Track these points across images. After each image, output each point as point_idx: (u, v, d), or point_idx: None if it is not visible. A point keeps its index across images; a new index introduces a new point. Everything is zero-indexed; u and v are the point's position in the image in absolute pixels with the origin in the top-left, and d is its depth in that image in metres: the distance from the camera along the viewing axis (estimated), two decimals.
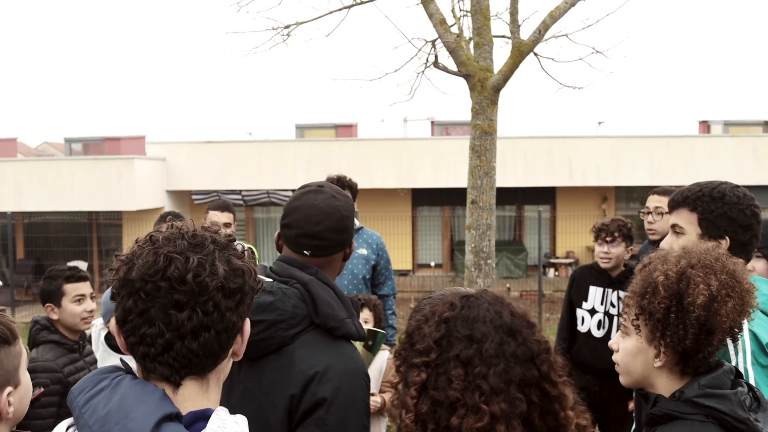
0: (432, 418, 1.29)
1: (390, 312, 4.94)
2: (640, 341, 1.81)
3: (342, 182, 4.84)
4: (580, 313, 4.67)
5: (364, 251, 4.90)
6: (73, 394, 1.25)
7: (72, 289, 3.50)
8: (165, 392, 1.24)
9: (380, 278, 5.00)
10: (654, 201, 4.42)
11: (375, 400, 3.57)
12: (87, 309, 3.51)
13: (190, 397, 1.27)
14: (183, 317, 1.22)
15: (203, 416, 1.24)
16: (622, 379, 1.90)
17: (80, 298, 3.51)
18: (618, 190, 18.92)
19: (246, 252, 1.38)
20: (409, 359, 1.34)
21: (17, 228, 17.98)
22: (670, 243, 2.51)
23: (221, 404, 1.34)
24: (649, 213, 4.45)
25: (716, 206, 2.40)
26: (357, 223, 4.83)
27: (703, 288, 1.71)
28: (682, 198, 2.49)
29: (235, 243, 1.38)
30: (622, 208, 19.34)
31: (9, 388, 1.58)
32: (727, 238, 2.38)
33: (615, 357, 1.89)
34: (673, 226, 2.52)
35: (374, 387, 3.65)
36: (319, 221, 2.05)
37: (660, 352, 1.77)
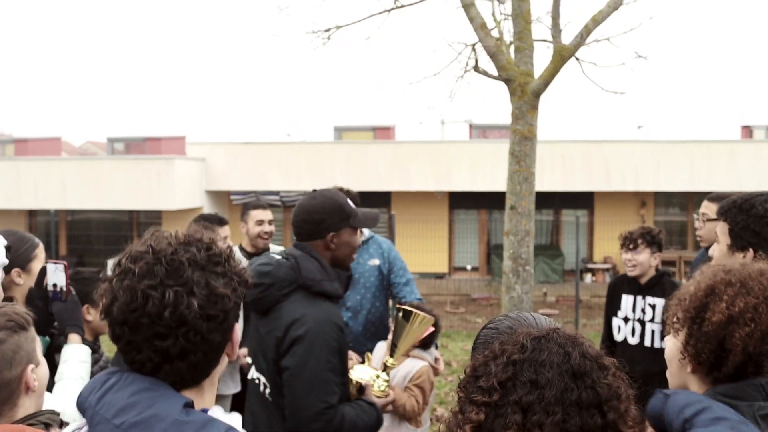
0: None
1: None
2: (678, 344, 1.82)
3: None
4: (615, 322, 4.69)
5: (376, 261, 4.72)
6: (83, 395, 1.33)
7: None
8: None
9: (396, 275, 4.71)
10: (703, 207, 4.36)
11: (388, 397, 3.53)
12: None
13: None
14: (167, 345, 1.29)
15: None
16: (669, 382, 1.91)
17: None
18: (657, 195, 18.68)
19: (229, 261, 1.41)
20: (470, 393, 1.31)
21: (60, 225, 18.31)
22: (713, 250, 2.64)
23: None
24: (698, 219, 4.38)
25: (742, 218, 2.45)
26: (366, 232, 4.78)
27: (724, 307, 1.70)
28: (720, 207, 2.58)
29: (215, 249, 1.40)
30: (661, 213, 19.11)
31: (32, 365, 1.79)
32: (751, 250, 2.41)
33: (665, 353, 1.91)
34: (716, 233, 2.61)
35: (399, 386, 3.75)
36: (297, 214, 2.77)
37: (685, 358, 1.78)
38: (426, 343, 4.02)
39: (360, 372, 3.32)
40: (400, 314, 3.30)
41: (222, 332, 1.36)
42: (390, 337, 3.52)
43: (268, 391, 2.71)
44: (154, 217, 17.94)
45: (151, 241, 1.37)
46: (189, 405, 1.28)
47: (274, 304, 2.66)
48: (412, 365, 3.89)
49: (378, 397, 3.19)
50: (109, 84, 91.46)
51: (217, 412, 1.34)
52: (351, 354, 3.82)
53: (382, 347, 4.20)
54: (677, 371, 1.85)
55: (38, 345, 1.86)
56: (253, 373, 2.85)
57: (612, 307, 4.76)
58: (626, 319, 4.62)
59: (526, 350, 1.30)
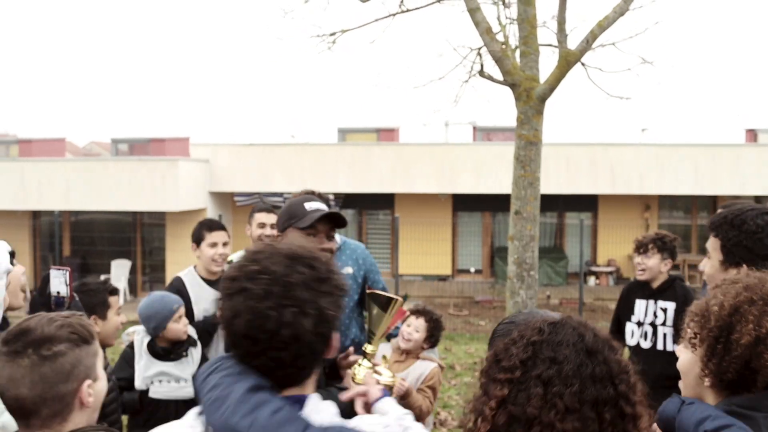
0: (506, 431, 1.37)
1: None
2: (695, 358, 1.82)
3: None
4: (629, 327, 4.72)
5: (349, 269, 4.30)
6: (201, 372, 1.58)
7: (115, 301, 3.59)
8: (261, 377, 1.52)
9: (372, 283, 4.37)
10: None
11: (402, 384, 3.68)
12: (122, 321, 3.63)
13: (290, 393, 1.54)
14: (282, 355, 1.49)
15: (300, 400, 1.53)
16: (682, 393, 1.91)
17: (118, 312, 3.61)
18: (661, 198, 18.66)
19: (331, 276, 1.57)
20: (492, 374, 1.44)
21: (64, 226, 18.33)
22: (704, 265, 2.60)
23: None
24: None
25: (734, 234, 2.42)
26: (338, 238, 4.31)
27: (752, 328, 1.70)
28: (710, 222, 2.54)
29: (318, 265, 1.56)
30: (666, 217, 19.09)
31: (89, 381, 1.77)
32: (744, 266, 2.37)
33: (678, 365, 1.91)
34: (706, 248, 2.57)
35: (413, 385, 3.80)
36: None
37: (707, 375, 1.78)
38: (433, 343, 4.13)
39: (379, 374, 3.40)
40: (373, 301, 3.32)
41: (326, 343, 1.55)
42: (366, 326, 3.55)
43: None
44: (158, 219, 17.95)
45: (263, 260, 1.52)
46: (255, 388, 1.46)
47: None
48: (425, 367, 3.99)
49: (358, 384, 3.16)
50: (113, 85, 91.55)
51: (314, 399, 1.55)
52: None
53: (384, 347, 4.22)
54: (693, 384, 1.85)
55: (100, 359, 1.86)
56: None
57: (626, 311, 4.80)
58: (639, 324, 4.67)
59: (544, 333, 1.44)
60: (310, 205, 2.81)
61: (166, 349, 3.83)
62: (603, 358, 1.39)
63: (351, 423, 1.56)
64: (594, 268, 18.36)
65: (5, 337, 1.76)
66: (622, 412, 1.37)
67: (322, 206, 2.86)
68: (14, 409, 1.74)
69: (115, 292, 3.63)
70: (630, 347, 4.69)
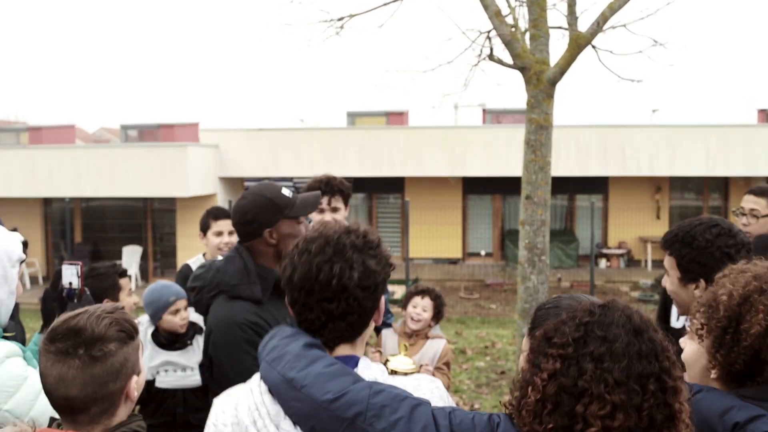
0: (554, 400, 1.47)
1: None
2: (702, 350, 1.81)
3: (330, 184, 4.10)
4: (675, 309, 4.62)
5: None
6: (264, 341, 1.74)
7: (126, 283, 3.61)
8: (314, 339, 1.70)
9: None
10: (749, 202, 3.99)
11: (428, 369, 3.84)
12: (135, 302, 3.67)
13: (341, 353, 1.71)
14: (332, 307, 1.67)
15: (352, 359, 1.70)
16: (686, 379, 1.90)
17: (130, 293, 3.64)
18: (672, 180, 18.57)
19: (380, 246, 1.76)
20: (543, 350, 1.55)
21: (75, 213, 18.40)
22: (665, 281, 2.64)
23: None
24: (743, 215, 4.01)
25: (686, 251, 2.47)
26: None
27: (761, 318, 1.69)
28: (663, 241, 2.59)
29: (370, 236, 1.77)
30: (677, 198, 19.00)
31: (135, 377, 1.82)
32: (701, 280, 2.41)
33: (683, 356, 1.89)
34: (664, 267, 2.61)
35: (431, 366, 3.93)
36: (232, 217, 2.78)
37: (714, 366, 1.77)
38: (439, 319, 4.20)
39: (399, 363, 3.48)
40: None
41: (373, 300, 1.72)
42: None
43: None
44: (168, 205, 17.99)
45: (323, 229, 1.75)
46: (309, 345, 1.65)
47: (206, 307, 2.74)
48: (437, 345, 4.10)
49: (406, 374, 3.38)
50: (122, 71, 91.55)
51: (365, 360, 1.72)
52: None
53: (388, 335, 4.26)
54: (700, 376, 1.84)
55: (141, 352, 1.89)
56: None
57: None
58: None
59: (594, 315, 1.55)
60: (288, 191, 2.78)
61: (170, 339, 3.81)
62: (648, 337, 1.51)
63: (397, 381, 1.67)
64: (605, 251, 18.32)
65: (51, 335, 1.74)
66: (665, 385, 1.47)
67: (289, 188, 2.85)
68: (62, 408, 1.75)
69: (124, 273, 3.64)
70: (673, 330, 4.61)
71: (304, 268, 1.70)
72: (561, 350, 1.51)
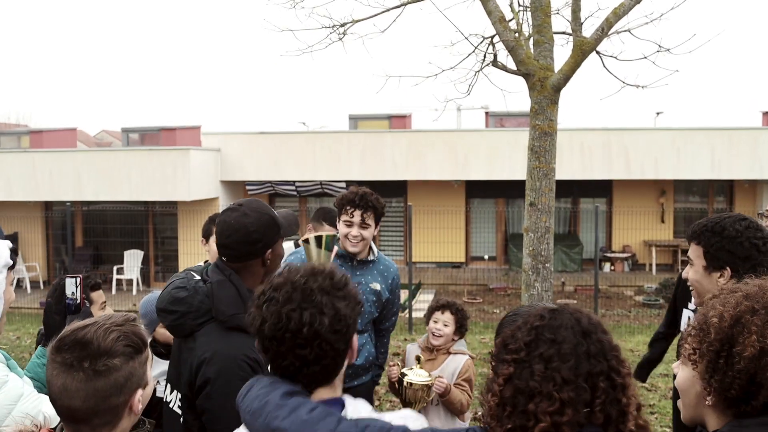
0: (512, 402, 1.56)
1: (383, 351, 4.32)
2: (695, 375, 1.73)
3: (365, 199, 3.95)
4: (686, 313, 4.63)
5: (377, 286, 4.04)
6: (242, 393, 1.74)
7: (98, 296, 3.52)
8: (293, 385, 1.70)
9: (387, 313, 4.22)
10: None
11: (441, 382, 3.79)
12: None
13: (322, 396, 1.72)
14: (305, 353, 1.67)
15: (338, 401, 1.72)
16: (681, 413, 1.83)
17: (103, 306, 3.54)
18: (677, 183, 18.48)
19: (347, 286, 1.76)
20: (500, 356, 1.64)
21: (76, 217, 18.36)
22: (686, 272, 2.85)
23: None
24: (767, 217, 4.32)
25: (715, 240, 2.68)
26: (375, 251, 4.16)
27: (755, 340, 1.61)
28: (691, 231, 2.80)
29: (336, 277, 1.77)
30: (681, 201, 18.91)
31: (140, 391, 1.82)
32: (728, 268, 2.64)
33: (676, 382, 1.84)
34: (688, 257, 2.82)
35: (449, 381, 3.87)
36: (229, 235, 2.55)
37: (710, 393, 1.68)
38: (462, 333, 4.13)
39: (415, 376, 3.57)
40: (309, 243, 3.32)
41: (345, 342, 1.72)
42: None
43: (178, 407, 2.63)
44: (170, 208, 17.94)
45: (287, 273, 1.75)
46: (289, 393, 1.65)
47: (190, 333, 2.53)
48: (458, 361, 4.01)
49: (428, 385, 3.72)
50: (124, 74, 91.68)
51: (350, 399, 1.73)
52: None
53: (413, 350, 4.21)
54: (694, 403, 1.76)
55: (150, 363, 1.89)
56: (167, 392, 2.74)
57: (683, 298, 4.70)
58: (695, 310, 4.55)
59: (544, 318, 1.63)
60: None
61: (168, 348, 3.73)
62: (597, 338, 1.59)
63: (386, 416, 1.68)
64: (609, 255, 18.23)
65: (58, 345, 1.75)
66: (614, 382, 1.55)
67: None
68: (66, 416, 1.76)
69: (97, 286, 3.55)
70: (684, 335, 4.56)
71: (273, 318, 1.68)
72: (515, 355, 1.60)
